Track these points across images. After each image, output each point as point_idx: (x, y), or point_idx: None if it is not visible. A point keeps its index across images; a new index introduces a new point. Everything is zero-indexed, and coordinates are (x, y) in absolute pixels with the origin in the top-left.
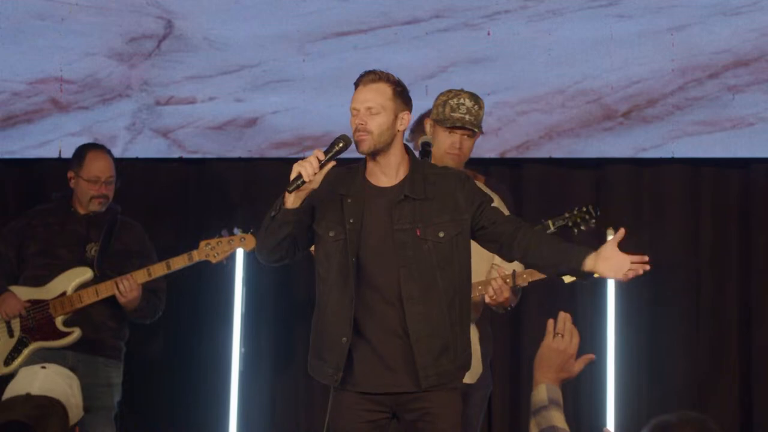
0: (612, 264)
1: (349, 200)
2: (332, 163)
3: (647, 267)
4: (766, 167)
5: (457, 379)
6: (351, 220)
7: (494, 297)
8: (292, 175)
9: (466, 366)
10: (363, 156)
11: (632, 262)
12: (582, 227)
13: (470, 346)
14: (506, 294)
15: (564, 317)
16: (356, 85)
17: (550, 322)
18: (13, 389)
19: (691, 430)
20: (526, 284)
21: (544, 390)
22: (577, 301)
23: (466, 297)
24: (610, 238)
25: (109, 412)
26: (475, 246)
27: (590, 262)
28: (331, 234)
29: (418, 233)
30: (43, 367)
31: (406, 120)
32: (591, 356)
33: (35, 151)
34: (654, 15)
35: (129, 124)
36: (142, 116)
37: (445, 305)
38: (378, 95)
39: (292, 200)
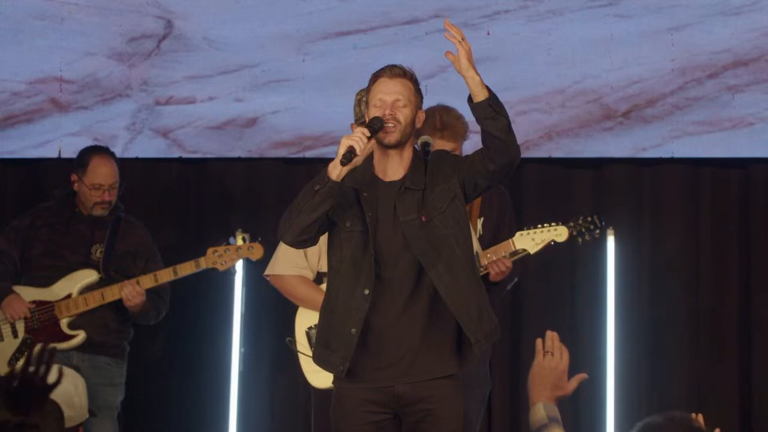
0: (456, 62)
1: (365, 194)
2: (372, 143)
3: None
4: (766, 167)
5: (496, 335)
6: (370, 214)
7: (496, 275)
8: (341, 150)
9: (497, 322)
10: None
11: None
12: (586, 237)
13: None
14: (506, 272)
15: (551, 336)
16: (377, 77)
17: (539, 341)
18: None
19: (677, 430)
20: (490, 267)
21: (541, 408)
22: (577, 301)
23: (473, 256)
24: (611, 239)
25: (111, 411)
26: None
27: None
28: (348, 224)
29: (424, 219)
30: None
31: (422, 118)
32: (584, 375)
33: (35, 151)
34: (654, 15)
35: (129, 124)
36: (142, 116)
37: (466, 271)
38: (404, 88)
39: (337, 173)
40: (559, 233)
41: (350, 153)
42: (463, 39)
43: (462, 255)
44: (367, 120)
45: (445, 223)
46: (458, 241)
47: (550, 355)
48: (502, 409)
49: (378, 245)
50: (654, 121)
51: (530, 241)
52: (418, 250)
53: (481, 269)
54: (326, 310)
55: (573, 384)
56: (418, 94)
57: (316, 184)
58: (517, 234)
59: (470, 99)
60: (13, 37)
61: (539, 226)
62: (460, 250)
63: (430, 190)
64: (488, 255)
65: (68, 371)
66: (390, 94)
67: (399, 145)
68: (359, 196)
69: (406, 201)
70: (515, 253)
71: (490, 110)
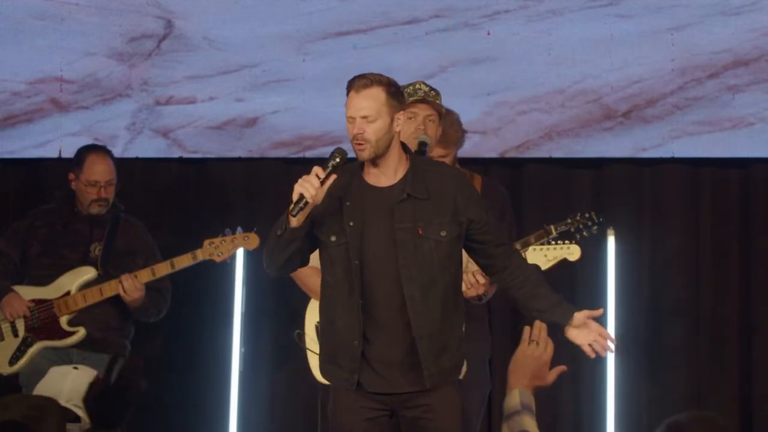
0: (582, 333)
1: (348, 203)
2: (333, 177)
3: (610, 349)
4: (766, 167)
5: (456, 375)
6: (351, 224)
7: (468, 290)
8: (294, 197)
9: (461, 363)
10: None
11: (597, 338)
12: (584, 233)
13: (463, 344)
14: (480, 290)
15: (539, 326)
16: (348, 89)
17: (526, 329)
18: (43, 388)
19: (703, 429)
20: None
21: (517, 395)
22: (577, 302)
23: (461, 297)
24: (611, 239)
25: None
26: None
27: (564, 324)
28: (333, 239)
29: (420, 232)
30: (75, 368)
31: (402, 119)
32: (563, 367)
33: (35, 151)
34: (654, 15)
35: (129, 124)
36: (142, 116)
37: (444, 304)
38: (372, 101)
39: (296, 220)
40: (572, 252)
41: (299, 202)
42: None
43: (443, 287)
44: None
45: (438, 252)
46: (443, 274)
47: (535, 345)
48: (502, 409)
49: (365, 252)
50: (654, 121)
51: (542, 257)
52: (403, 258)
53: None
54: (327, 326)
55: (552, 375)
56: (393, 98)
57: (278, 228)
58: (530, 248)
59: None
60: (13, 37)
61: (552, 242)
62: (442, 283)
63: (432, 203)
64: None
65: (94, 372)
66: (357, 111)
67: (377, 158)
68: (343, 205)
69: (404, 208)
70: None
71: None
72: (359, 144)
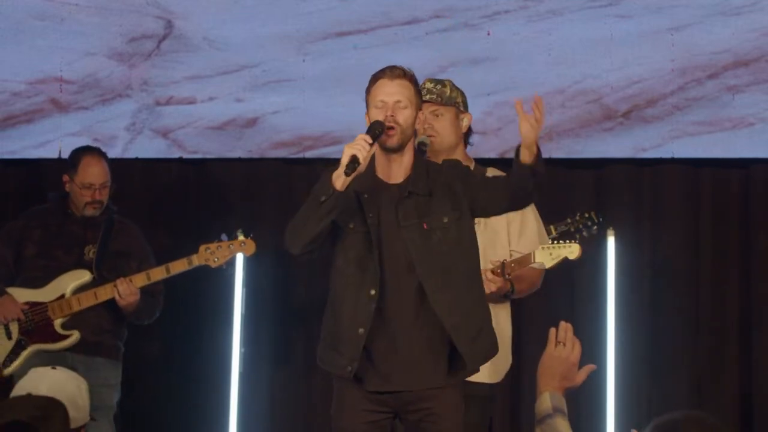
0: (524, 126)
1: (366, 195)
2: (375, 147)
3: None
4: (766, 167)
5: (494, 350)
6: (371, 215)
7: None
8: (344, 159)
9: (496, 341)
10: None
11: (531, 119)
12: (584, 233)
13: (491, 323)
14: (492, 287)
15: (565, 327)
16: (377, 78)
17: (552, 330)
18: (21, 388)
19: (693, 429)
20: (520, 270)
21: (547, 398)
22: (577, 301)
23: (480, 276)
24: (611, 239)
25: (108, 411)
26: (493, 235)
27: (520, 153)
28: (351, 225)
29: (425, 227)
30: (54, 368)
31: (422, 118)
32: (592, 366)
33: (35, 151)
34: (654, 15)
35: (129, 124)
36: (142, 116)
37: (466, 288)
38: (405, 90)
39: (341, 183)
40: (572, 250)
41: (353, 163)
42: (540, 119)
43: (464, 270)
44: (368, 123)
45: (447, 239)
46: (458, 258)
47: (562, 346)
48: (503, 409)
49: (382, 247)
50: (654, 122)
51: (548, 255)
52: (416, 257)
53: (507, 276)
54: (332, 313)
55: (582, 375)
56: (418, 95)
57: (321, 194)
58: (539, 248)
59: (517, 155)
60: (13, 37)
61: (557, 242)
62: (460, 267)
63: (434, 198)
64: (512, 265)
65: (72, 374)
66: (391, 96)
67: (400, 148)
68: (360, 197)
69: (408, 205)
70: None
71: (529, 173)
72: (390, 127)
